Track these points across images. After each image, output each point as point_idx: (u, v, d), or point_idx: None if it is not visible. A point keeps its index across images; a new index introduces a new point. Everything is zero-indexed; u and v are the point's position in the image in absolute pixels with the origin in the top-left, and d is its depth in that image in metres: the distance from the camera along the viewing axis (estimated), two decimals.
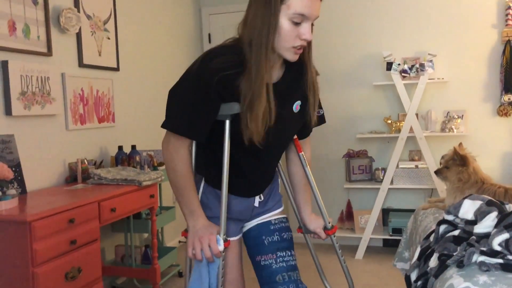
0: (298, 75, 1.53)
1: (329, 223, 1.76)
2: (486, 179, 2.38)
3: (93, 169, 2.93)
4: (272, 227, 1.68)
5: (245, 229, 1.70)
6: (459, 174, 2.39)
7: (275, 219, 1.70)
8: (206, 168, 1.57)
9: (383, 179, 3.95)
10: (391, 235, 3.92)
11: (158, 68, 4.09)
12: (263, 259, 1.65)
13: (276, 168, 1.75)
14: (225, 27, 4.84)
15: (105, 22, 3.37)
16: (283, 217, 1.73)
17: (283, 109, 1.48)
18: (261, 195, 1.66)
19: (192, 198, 1.49)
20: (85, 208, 2.35)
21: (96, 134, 3.26)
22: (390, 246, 4.12)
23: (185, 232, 1.57)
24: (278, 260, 1.64)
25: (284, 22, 1.35)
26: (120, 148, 3.26)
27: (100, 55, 3.30)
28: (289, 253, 1.67)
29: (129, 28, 3.70)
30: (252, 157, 1.53)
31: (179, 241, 4.31)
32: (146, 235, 3.72)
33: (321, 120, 1.71)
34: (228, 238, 1.56)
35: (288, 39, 1.36)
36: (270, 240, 1.66)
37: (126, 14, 3.66)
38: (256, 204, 1.65)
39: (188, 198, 1.48)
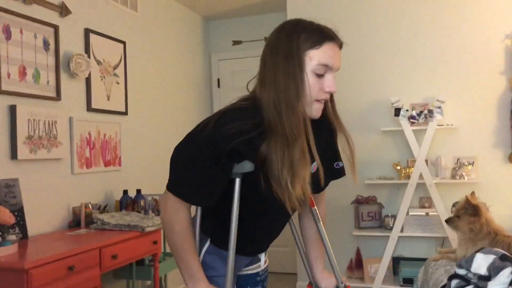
0: (329, 136, 1.48)
1: (342, 283, 1.66)
2: (499, 230, 2.30)
3: (97, 214, 2.89)
4: (258, 278, 1.60)
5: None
6: (471, 225, 2.31)
7: (262, 270, 1.62)
8: (213, 228, 1.46)
9: (393, 226, 3.86)
10: (402, 285, 3.78)
11: (167, 113, 4.12)
12: None
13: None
14: (233, 72, 4.91)
15: (115, 67, 3.42)
16: (267, 266, 1.66)
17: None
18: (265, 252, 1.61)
19: (192, 262, 1.38)
20: (85, 255, 2.30)
21: (101, 178, 3.24)
22: None
23: None
24: None
25: (309, 76, 1.26)
26: (125, 192, 3.24)
27: (108, 99, 3.33)
28: None
29: (139, 73, 3.75)
30: (261, 216, 1.45)
31: None
32: (149, 282, 3.63)
33: (341, 173, 1.61)
34: None
35: (312, 92, 1.27)
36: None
37: (136, 60, 3.72)
38: (262, 262, 1.60)
39: (187, 261, 1.37)
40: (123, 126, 3.49)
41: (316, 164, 1.39)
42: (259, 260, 1.60)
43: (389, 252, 3.83)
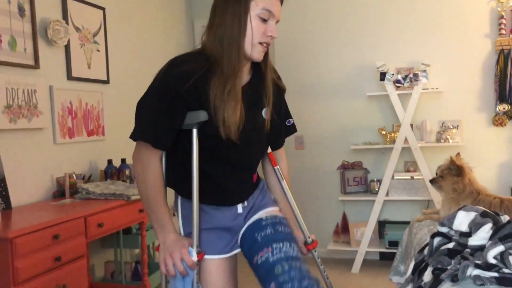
0: (278, 96, 1.61)
1: (309, 237, 1.72)
2: (481, 189, 2.33)
3: (82, 184, 2.87)
4: (263, 223, 1.59)
5: (240, 240, 1.61)
6: (454, 184, 2.33)
7: (266, 216, 1.61)
8: (179, 182, 1.54)
9: (378, 190, 3.90)
10: (387, 248, 3.85)
11: (149, 80, 4.03)
12: (259, 257, 1.51)
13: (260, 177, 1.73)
14: None
15: (94, 35, 3.34)
16: (277, 214, 1.64)
17: (251, 111, 1.49)
18: (246, 201, 1.61)
19: (163, 212, 1.45)
20: (70, 224, 2.28)
21: (85, 147, 3.20)
22: (387, 259, 4.05)
23: (158, 247, 1.52)
24: (274, 252, 1.50)
25: (253, 19, 1.42)
26: (110, 161, 3.20)
27: (89, 67, 3.26)
28: (288, 244, 1.52)
29: (120, 40, 3.66)
30: (223, 165, 1.51)
31: None
32: (137, 250, 3.64)
33: (292, 129, 1.74)
34: (215, 256, 1.50)
35: (256, 34, 1.43)
36: (263, 234, 1.55)
37: (117, 26, 3.62)
38: (240, 210, 1.59)
39: (158, 211, 1.44)
40: (105, 94, 3.43)
41: (268, 110, 1.54)
42: (237, 210, 1.60)
43: (374, 216, 3.88)
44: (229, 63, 1.41)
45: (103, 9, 3.43)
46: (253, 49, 1.45)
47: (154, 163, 1.44)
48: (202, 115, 1.41)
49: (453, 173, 2.36)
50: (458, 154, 2.52)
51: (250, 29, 1.42)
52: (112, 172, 3.15)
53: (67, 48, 3.05)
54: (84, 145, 3.19)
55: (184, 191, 1.53)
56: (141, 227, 2.97)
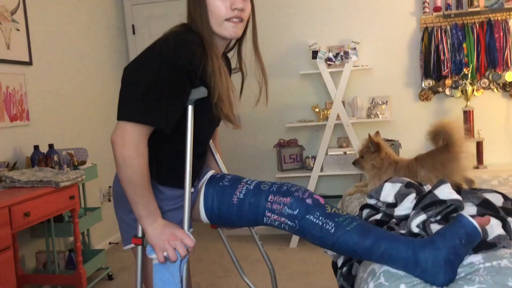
0: (228, 69, 1.61)
1: None
2: (399, 160, 2.43)
3: (5, 172, 2.71)
4: (218, 175, 1.61)
5: (203, 201, 1.58)
6: (373, 161, 2.41)
7: (215, 173, 1.66)
8: (156, 166, 1.45)
9: (313, 166, 3.99)
10: None
11: (77, 62, 3.86)
12: (238, 191, 1.52)
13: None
14: (150, 18, 4.67)
15: (12, 13, 3.12)
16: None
17: None
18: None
19: (151, 198, 1.38)
20: None
21: (8, 134, 3.01)
22: None
23: (137, 239, 1.45)
24: (249, 181, 1.56)
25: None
26: (36, 148, 3.04)
27: (8, 48, 3.05)
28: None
29: (42, 19, 3.45)
30: (199, 143, 1.53)
31: (110, 243, 4.13)
32: (71, 239, 3.52)
33: None
34: None
35: (220, 13, 1.40)
36: (228, 178, 1.58)
37: (38, 4, 3.41)
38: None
39: (147, 198, 1.36)
40: (28, 77, 3.23)
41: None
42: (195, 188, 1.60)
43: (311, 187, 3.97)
44: (210, 45, 1.41)
45: None
46: (222, 28, 1.43)
47: (144, 146, 1.33)
48: (202, 91, 1.40)
49: (371, 150, 2.44)
50: (378, 132, 2.59)
51: (210, 10, 1.41)
52: (40, 159, 2.99)
53: None
54: (6, 131, 3.00)
55: (162, 176, 1.46)
56: (73, 214, 2.86)
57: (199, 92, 1.41)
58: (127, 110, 1.31)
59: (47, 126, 3.40)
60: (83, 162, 3.23)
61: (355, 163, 2.51)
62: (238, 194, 1.52)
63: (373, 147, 2.40)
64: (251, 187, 1.53)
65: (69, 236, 3.11)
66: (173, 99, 1.34)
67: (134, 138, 1.30)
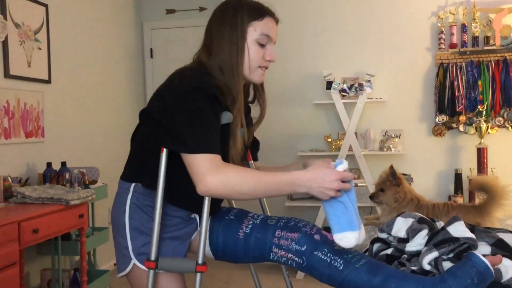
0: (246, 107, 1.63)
1: None
2: (420, 197, 2.41)
3: (17, 187, 2.72)
4: (223, 209, 1.59)
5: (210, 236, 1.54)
6: (396, 194, 2.38)
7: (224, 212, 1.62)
8: (173, 184, 1.42)
9: None
10: None
11: (95, 82, 3.92)
12: (244, 226, 1.49)
13: None
14: (167, 42, 4.76)
15: (36, 32, 3.20)
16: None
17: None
18: None
19: (279, 176, 1.33)
20: (2, 229, 2.15)
21: (22, 149, 3.05)
22: None
23: (150, 262, 1.38)
24: (255, 216, 1.53)
25: (251, 44, 1.44)
26: (49, 164, 3.07)
27: (29, 66, 3.12)
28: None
29: (63, 39, 3.53)
30: None
31: (115, 264, 4.10)
32: (77, 258, 3.50)
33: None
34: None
35: (255, 60, 1.45)
36: (233, 213, 1.56)
37: (60, 25, 3.49)
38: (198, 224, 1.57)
39: (280, 179, 1.32)
40: (46, 95, 3.29)
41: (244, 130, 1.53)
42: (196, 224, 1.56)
43: (319, 222, 3.93)
44: (232, 90, 1.42)
45: (45, 5, 3.29)
46: (252, 74, 1.48)
47: (228, 166, 1.34)
48: (228, 116, 1.40)
49: (393, 183, 2.42)
50: (392, 166, 2.57)
51: (248, 55, 1.44)
52: (51, 176, 3.01)
53: (4, 44, 2.90)
54: (21, 146, 3.04)
55: (175, 197, 1.44)
56: (80, 233, 2.86)
57: (226, 117, 1.40)
58: (188, 144, 1.30)
59: (61, 143, 3.43)
60: (94, 181, 3.25)
61: (373, 197, 2.46)
62: (244, 229, 1.48)
63: (394, 180, 2.37)
64: (258, 222, 1.50)
65: (76, 255, 3.10)
66: (212, 124, 1.34)
67: (221, 167, 1.30)
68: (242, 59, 1.43)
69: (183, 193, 1.45)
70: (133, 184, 1.47)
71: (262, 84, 1.60)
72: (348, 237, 1.32)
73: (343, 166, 1.36)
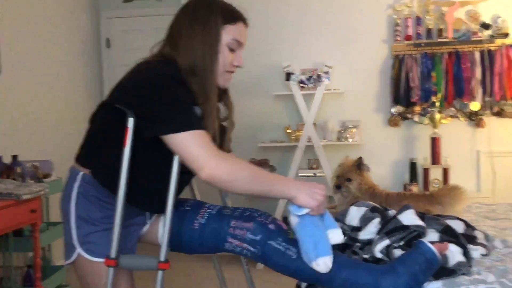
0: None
1: None
2: (375, 185, 2.44)
3: None
4: (179, 200, 1.55)
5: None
6: (361, 184, 2.38)
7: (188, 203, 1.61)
8: (133, 183, 1.37)
9: None
10: None
11: (48, 73, 3.79)
12: (200, 216, 1.48)
13: None
14: (126, 32, 4.64)
15: None
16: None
17: None
18: None
19: (276, 176, 1.40)
20: None
21: None
22: None
23: (110, 260, 1.35)
24: (211, 206, 1.54)
25: (223, 48, 1.42)
26: None
27: None
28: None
29: (14, 27, 3.38)
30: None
31: None
32: (30, 254, 3.39)
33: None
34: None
35: (225, 64, 1.43)
36: (189, 203, 1.55)
37: (10, 14, 3.35)
38: (148, 225, 1.58)
39: (270, 174, 1.38)
40: None
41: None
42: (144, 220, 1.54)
43: (279, 211, 3.97)
44: (203, 92, 1.38)
45: None
46: (220, 77, 1.45)
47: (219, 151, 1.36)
48: (199, 111, 1.38)
49: (358, 172, 2.42)
50: (347, 157, 2.58)
51: (219, 58, 1.42)
52: (2, 171, 2.90)
53: None
54: None
55: (129, 195, 1.38)
56: (34, 228, 2.76)
57: (197, 111, 1.38)
58: (168, 125, 1.29)
59: (12, 136, 3.31)
60: (48, 175, 3.15)
61: (340, 186, 2.43)
62: (200, 219, 1.48)
63: (359, 170, 2.38)
64: (214, 212, 1.50)
65: (29, 251, 3.00)
66: (192, 107, 1.35)
67: (215, 153, 1.30)
68: (217, 61, 1.41)
69: (140, 194, 1.42)
70: (81, 173, 1.43)
71: (227, 90, 1.56)
72: (327, 263, 1.34)
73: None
